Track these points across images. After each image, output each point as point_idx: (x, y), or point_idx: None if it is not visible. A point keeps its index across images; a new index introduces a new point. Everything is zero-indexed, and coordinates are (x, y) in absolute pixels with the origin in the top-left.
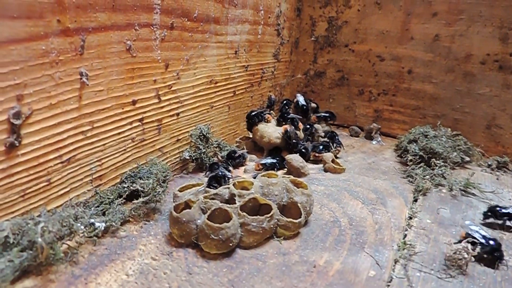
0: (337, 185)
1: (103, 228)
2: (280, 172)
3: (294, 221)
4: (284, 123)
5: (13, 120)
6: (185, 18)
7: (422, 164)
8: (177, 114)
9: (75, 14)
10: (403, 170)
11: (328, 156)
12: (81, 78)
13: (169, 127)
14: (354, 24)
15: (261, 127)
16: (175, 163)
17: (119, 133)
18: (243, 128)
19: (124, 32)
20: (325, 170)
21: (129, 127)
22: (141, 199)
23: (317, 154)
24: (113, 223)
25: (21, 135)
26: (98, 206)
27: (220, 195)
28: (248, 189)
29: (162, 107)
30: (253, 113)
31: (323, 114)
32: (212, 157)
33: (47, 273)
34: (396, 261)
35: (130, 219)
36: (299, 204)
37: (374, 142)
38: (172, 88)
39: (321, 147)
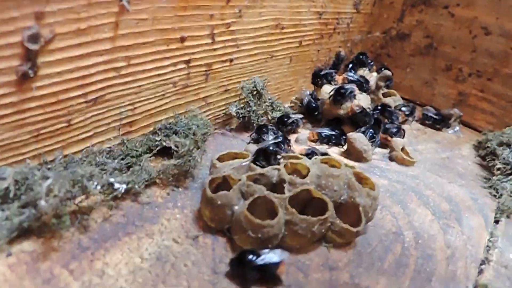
0: (403, 182)
1: (123, 191)
2: (335, 150)
3: (352, 229)
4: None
5: (28, 44)
6: None
7: None
8: (231, 60)
9: None
10: (486, 177)
11: (398, 142)
12: (121, 0)
13: (218, 74)
14: None
15: (327, 90)
16: (218, 116)
17: (159, 75)
18: (301, 85)
19: None
20: (391, 158)
21: (172, 68)
22: (172, 161)
23: (389, 138)
24: (136, 186)
25: (37, 64)
26: (123, 159)
27: (267, 177)
28: (301, 174)
29: (214, 50)
30: (322, 72)
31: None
32: (262, 116)
33: (50, 237)
34: None
35: (157, 180)
36: (360, 208)
37: (450, 131)
38: (231, 28)
39: (394, 129)
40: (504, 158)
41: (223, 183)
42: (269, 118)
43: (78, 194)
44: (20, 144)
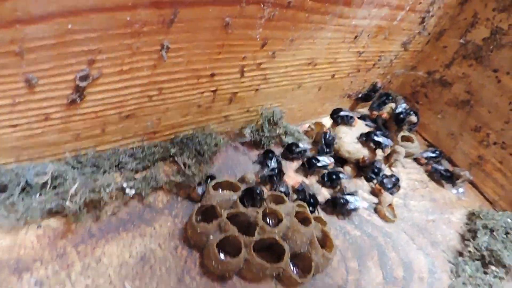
0: (375, 237)
1: (131, 195)
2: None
3: (298, 280)
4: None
5: (78, 82)
6: None
7: (478, 262)
8: (256, 90)
9: None
10: (456, 250)
11: (387, 198)
12: (160, 51)
13: (242, 100)
14: None
15: (341, 130)
16: (235, 129)
17: (187, 100)
18: (327, 108)
19: (226, 8)
20: (375, 210)
21: (199, 96)
22: (178, 177)
23: (382, 191)
24: (143, 192)
25: (84, 94)
26: (142, 160)
27: (246, 215)
28: (278, 217)
29: (242, 82)
30: (341, 113)
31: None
32: (274, 139)
33: (70, 220)
34: None
35: (163, 185)
36: (313, 263)
37: (454, 191)
38: (262, 66)
39: (390, 185)
40: (478, 244)
41: (211, 210)
42: (282, 140)
43: (95, 197)
44: (63, 142)
